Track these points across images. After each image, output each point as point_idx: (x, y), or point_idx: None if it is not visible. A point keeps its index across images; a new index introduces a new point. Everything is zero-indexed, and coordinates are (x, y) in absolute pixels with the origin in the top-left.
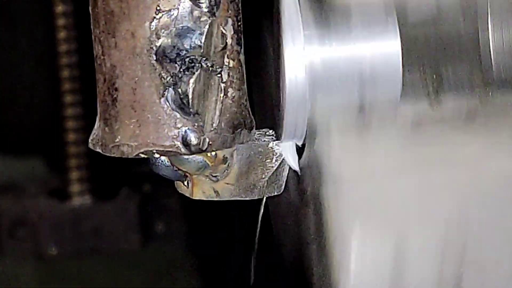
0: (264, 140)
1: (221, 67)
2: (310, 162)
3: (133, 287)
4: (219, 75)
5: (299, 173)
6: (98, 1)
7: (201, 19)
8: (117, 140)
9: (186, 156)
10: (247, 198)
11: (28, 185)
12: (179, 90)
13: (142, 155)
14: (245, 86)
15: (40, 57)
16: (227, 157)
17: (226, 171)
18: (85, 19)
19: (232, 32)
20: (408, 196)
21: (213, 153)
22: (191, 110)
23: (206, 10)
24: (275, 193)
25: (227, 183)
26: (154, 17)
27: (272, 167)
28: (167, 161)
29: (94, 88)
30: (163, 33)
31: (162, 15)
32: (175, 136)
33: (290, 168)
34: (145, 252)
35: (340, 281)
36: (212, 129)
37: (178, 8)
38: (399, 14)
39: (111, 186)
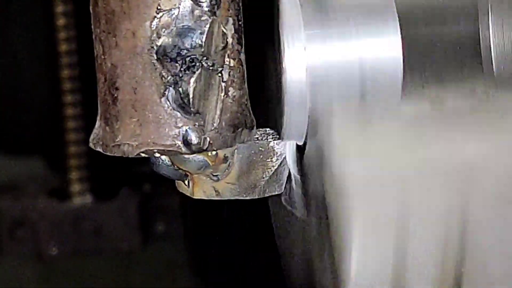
0: (265, 140)
1: (222, 67)
2: (312, 161)
3: (133, 287)
4: (220, 74)
5: (297, 174)
6: (98, 1)
7: (202, 18)
8: (118, 139)
9: (186, 156)
10: (248, 198)
11: (28, 185)
12: (180, 89)
13: (143, 155)
14: (246, 85)
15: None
16: (227, 157)
17: (226, 170)
18: (86, 19)
19: (233, 32)
20: (410, 193)
21: (214, 152)
22: (191, 109)
23: (207, 9)
24: (276, 193)
25: (228, 183)
26: (155, 16)
27: (273, 166)
28: (168, 161)
29: (95, 88)
30: (163, 32)
31: (163, 14)
32: (175, 136)
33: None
34: (145, 252)
35: (342, 274)
36: (212, 128)
37: (178, 7)
38: (400, 14)
39: (111, 186)
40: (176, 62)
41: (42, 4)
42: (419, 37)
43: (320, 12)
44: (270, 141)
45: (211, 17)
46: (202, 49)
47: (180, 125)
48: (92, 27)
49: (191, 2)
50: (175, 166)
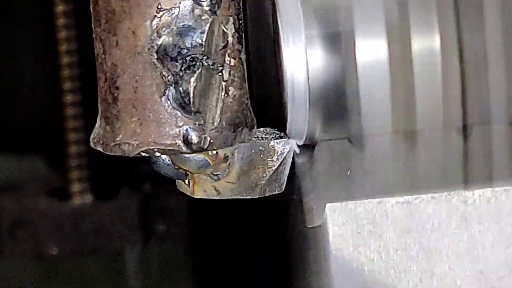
0: (265, 139)
1: (222, 66)
2: (310, 163)
3: (133, 287)
4: (220, 73)
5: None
6: (99, 0)
7: (202, 17)
8: (118, 138)
9: (187, 155)
10: (248, 197)
11: (28, 185)
12: (180, 88)
13: (143, 154)
14: (246, 84)
15: (41, 57)
16: (228, 156)
17: (227, 169)
18: (86, 19)
19: (233, 31)
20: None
21: (214, 151)
22: (192, 108)
23: (207, 8)
24: (276, 192)
25: (228, 182)
26: (155, 16)
27: (273, 165)
28: (168, 160)
29: (95, 87)
30: (164, 31)
31: (163, 13)
32: (176, 135)
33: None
34: (145, 252)
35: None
36: (213, 127)
37: (179, 7)
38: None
39: (111, 185)
40: (177, 62)
41: (42, 4)
42: None
43: (320, 12)
44: (271, 141)
45: (212, 16)
46: (203, 49)
47: (180, 124)
48: (93, 26)
49: (192, 1)
50: (176, 166)
